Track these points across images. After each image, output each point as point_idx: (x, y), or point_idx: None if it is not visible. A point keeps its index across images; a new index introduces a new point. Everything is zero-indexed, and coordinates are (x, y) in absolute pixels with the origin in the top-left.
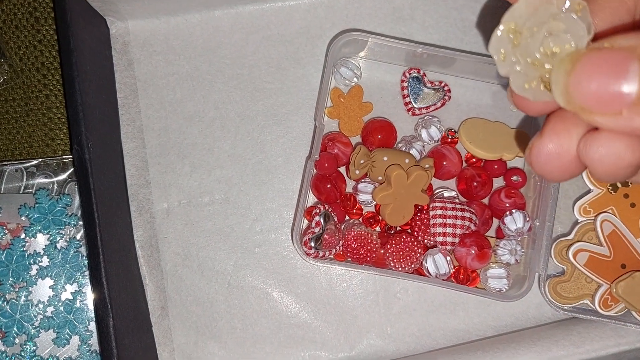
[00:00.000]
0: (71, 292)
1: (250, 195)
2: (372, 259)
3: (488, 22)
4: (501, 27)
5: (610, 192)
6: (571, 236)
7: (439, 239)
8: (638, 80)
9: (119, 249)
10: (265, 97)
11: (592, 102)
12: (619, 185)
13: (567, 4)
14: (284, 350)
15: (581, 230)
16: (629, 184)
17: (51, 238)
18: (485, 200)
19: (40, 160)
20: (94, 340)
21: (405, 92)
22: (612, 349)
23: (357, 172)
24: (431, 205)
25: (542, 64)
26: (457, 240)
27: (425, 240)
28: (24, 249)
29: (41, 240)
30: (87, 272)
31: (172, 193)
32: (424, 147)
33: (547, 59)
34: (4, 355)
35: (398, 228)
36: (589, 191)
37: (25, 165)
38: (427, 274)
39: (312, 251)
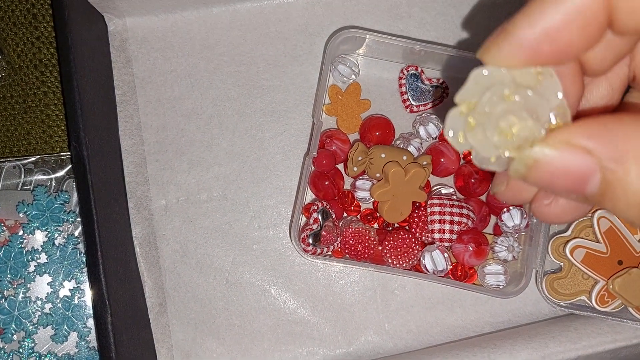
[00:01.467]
0: (69, 289)
1: (249, 192)
2: (370, 255)
3: (485, 19)
4: (457, 107)
5: None
6: (568, 233)
7: (437, 235)
8: (598, 187)
9: (117, 245)
10: (263, 95)
11: (552, 191)
12: None
13: (525, 76)
14: (282, 346)
15: (578, 227)
16: None
17: (49, 235)
18: (483, 197)
19: (38, 157)
20: (92, 337)
21: (403, 89)
22: (609, 345)
23: (355, 169)
24: (429, 202)
25: (503, 142)
26: (454, 237)
27: (423, 237)
28: (22, 245)
29: (39, 237)
30: (85, 269)
31: (170, 190)
32: (421, 144)
33: (508, 138)
34: (2, 351)
35: (396, 225)
36: None
37: (23, 162)
38: (425, 271)
39: (310, 248)
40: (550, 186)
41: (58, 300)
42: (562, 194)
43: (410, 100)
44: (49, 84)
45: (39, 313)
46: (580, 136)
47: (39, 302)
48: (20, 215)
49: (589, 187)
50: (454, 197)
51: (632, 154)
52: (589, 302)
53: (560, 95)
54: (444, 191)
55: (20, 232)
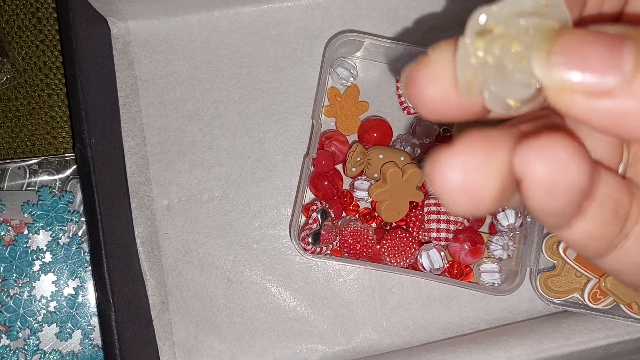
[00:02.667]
0: (73, 288)
1: (249, 192)
2: (368, 254)
3: None
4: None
5: None
6: None
7: (433, 234)
8: (634, 58)
9: (120, 245)
10: (263, 96)
11: (580, 76)
12: None
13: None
14: (282, 343)
15: None
16: None
17: (54, 234)
18: None
19: (42, 158)
20: (96, 335)
21: (401, 91)
22: (601, 342)
23: (354, 169)
24: (426, 202)
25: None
26: (450, 235)
27: (420, 236)
28: (27, 245)
29: (44, 236)
30: (89, 268)
31: (172, 190)
32: (419, 144)
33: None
34: (7, 349)
35: (393, 224)
36: None
37: (27, 163)
38: (422, 269)
39: (309, 247)
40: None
41: (62, 299)
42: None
43: (408, 102)
44: (53, 86)
45: (44, 311)
46: (610, 27)
47: (43, 301)
48: (25, 215)
49: (625, 53)
50: None
51: None
52: (581, 299)
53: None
54: None
55: (25, 232)
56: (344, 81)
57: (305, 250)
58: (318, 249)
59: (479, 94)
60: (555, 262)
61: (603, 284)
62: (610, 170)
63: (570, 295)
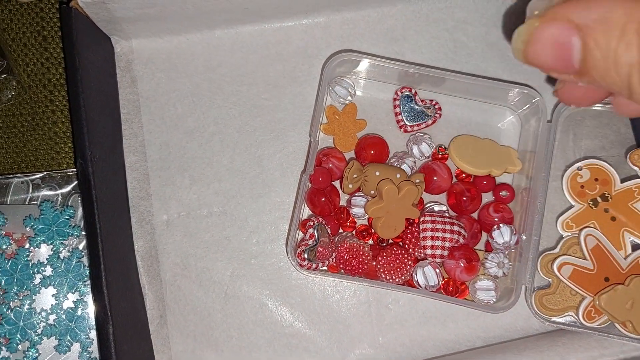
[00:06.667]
0: (73, 301)
1: (248, 207)
2: (364, 270)
3: (478, 43)
4: None
5: (591, 207)
6: (556, 250)
7: (429, 251)
8: (580, 54)
9: (120, 259)
10: (263, 114)
11: (546, 68)
12: (599, 200)
13: None
14: (278, 358)
15: (566, 244)
16: (608, 198)
17: (54, 248)
18: (475, 215)
19: (45, 173)
20: (94, 348)
21: (398, 110)
22: None
23: (351, 186)
24: (421, 219)
25: None
26: (446, 253)
27: (416, 253)
28: (29, 258)
29: (45, 250)
30: (88, 282)
31: (172, 205)
32: (415, 162)
33: None
34: None
35: (390, 240)
36: (571, 207)
37: (31, 177)
38: (417, 286)
39: (305, 263)
40: (544, 61)
41: (62, 312)
42: (558, 71)
43: (405, 120)
44: (57, 103)
45: (44, 324)
46: (563, 8)
47: (43, 314)
48: (27, 229)
49: (574, 56)
50: (446, 214)
51: (612, 20)
52: (576, 317)
53: None
54: (436, 208)
55: (27, 246)
56: (341, 99)
57: (301, 266)
58: (314, 265)
59: None
60: (551, 280)
61: (597, 302)
62: None
63: (566, 314)
